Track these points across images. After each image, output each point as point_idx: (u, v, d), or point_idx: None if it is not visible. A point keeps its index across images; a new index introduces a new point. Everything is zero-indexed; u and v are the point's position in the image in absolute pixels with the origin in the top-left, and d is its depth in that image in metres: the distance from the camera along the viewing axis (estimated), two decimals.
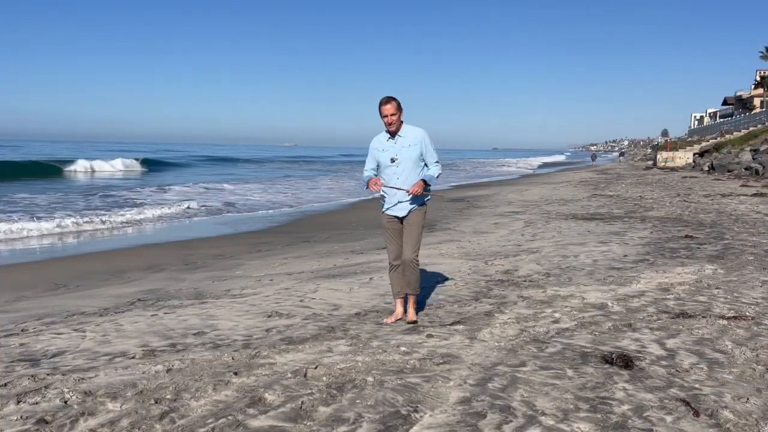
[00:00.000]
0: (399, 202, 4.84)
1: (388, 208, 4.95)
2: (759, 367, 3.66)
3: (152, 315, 5.50)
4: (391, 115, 4.69)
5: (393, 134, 4.79)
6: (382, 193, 4.91)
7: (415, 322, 4.87)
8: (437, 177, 4.90)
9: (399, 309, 4.99)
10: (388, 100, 4.72)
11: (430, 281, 6.52)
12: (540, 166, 64.50)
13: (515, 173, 47.06)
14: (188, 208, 17.72)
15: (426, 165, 4.90)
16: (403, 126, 4.84)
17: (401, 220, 4.89)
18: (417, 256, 4.90)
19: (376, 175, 4.98)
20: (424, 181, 4.78)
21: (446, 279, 6.61)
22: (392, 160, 4.80)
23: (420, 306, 5.43)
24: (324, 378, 3.58)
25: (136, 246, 11.29)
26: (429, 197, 4.95)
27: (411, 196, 4.76)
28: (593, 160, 66.25)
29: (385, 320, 4.95)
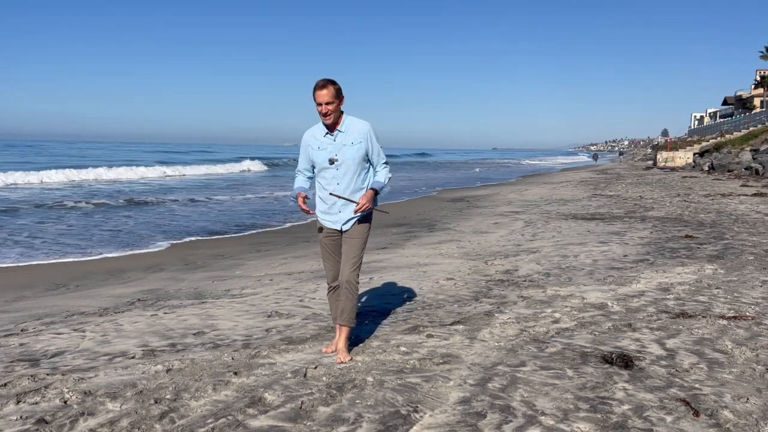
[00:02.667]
0: (340, 211, 3.95)
1: (325, 219, 4.02)
2: (759, 367, 3.67)
3: (152, 315, 5.49)
4: (327, 103, 3.72)
5: (331, 128, 3.85)
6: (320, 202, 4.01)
7: (348, 360, 3.89)
8: (387, 183, 3.99)
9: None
10: (324, 84, 3.74)
11: (430, 281, 6.52)
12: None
13: (551, 168, 51.90)
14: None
15: (372, 166, 4.00)
16: (345, 118, 3.88)
17: (342, 232, 4.03)
18: (357, 276, 4.01)
19: (309, 180, 4.07)
20: (374, 191, 3.91)
21: (446, 279, 6.61)
22: (331, 162, 3.86)
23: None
24: (324, 378, 3.58)
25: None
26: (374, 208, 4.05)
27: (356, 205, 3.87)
28: (595, 160, 67.66)
29: (324, 349, 4.10)
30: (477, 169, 50.33)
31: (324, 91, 3.72)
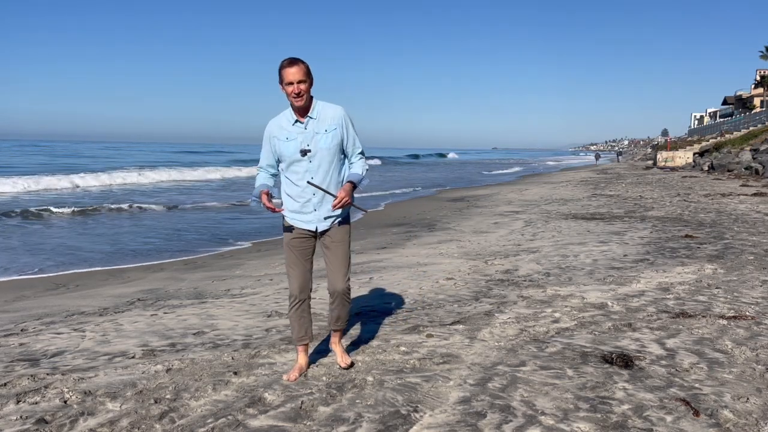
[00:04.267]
0: (315, 209, 3.47)
1: (297, 218, 3.51)
2: (759, 366, 3.67)
3: (152, 315, 5.49)
4: (299, 82, 3.27)
5: (301, 114, 3.39)
6: (284, 208, 3.51)
7: (351, 365, 3.72)
8: (365, 175, 3.53)
9: (302, 359, 3.69)
10: (294, 60, 3.29)
11: (430, 281, 6.52)
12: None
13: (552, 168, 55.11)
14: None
15: (346, 157, 3.55)
16: (315, 103, 3.42)
17: (315, 235, 3.55)
18: (349, 283, 3.68)
19: (273, 178, 3.57)
20: (352, 184, 3.44)
21: (446, 279, 6.61)
22: (303, 153, 3.37)
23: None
24: (324, 378, 3.58)
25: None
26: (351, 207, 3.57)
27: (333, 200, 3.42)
28: (597, 160, 68.09)
29: (285, 377, 3.57)
30: (516, 168, 53.51)
31: (294, 68, 3.27)
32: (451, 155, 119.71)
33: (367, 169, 3.55)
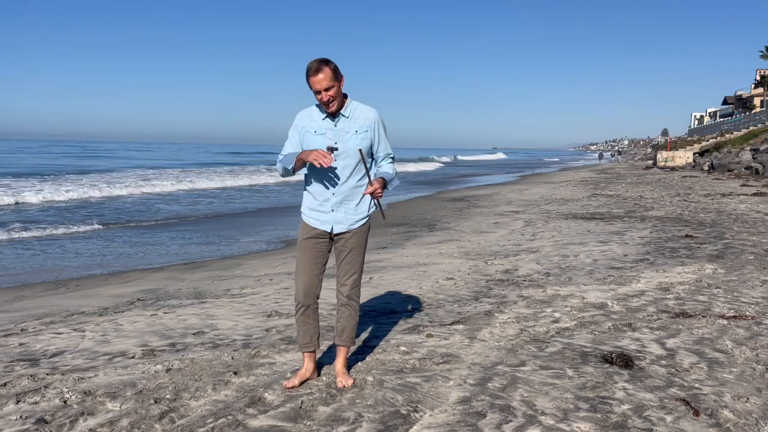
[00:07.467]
0: (333, 209, 3.35)
1: (313, 217, 3.40)
2: (759, 366, 3.67)
3: (152, 315, 5.49)
4: (326, 90, 3.15)
5: (333, 113, 3.30)
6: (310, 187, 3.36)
7: (352, 385, 3.43)
8: (395, 177, 3.47)
9: (308, 366, 3.50)
10: (319, 66, 3.14)
11: (430, 280, 6.52)
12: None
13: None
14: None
15: (374, 161, 3.48)
16: (350, 102, 3.33)
17: (331, 237, 3.42)
18: (359, 293, 3.55)
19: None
20: (384, 180, 3.36)
21: (446, 279, 6.61)
22: (330, 150, 3.23)
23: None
24: (323, 378, 3.58)
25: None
26: (374, 208, 3.48)
27: (357, 199, 3.36)
28: (600, 159, 68.37)
29: (284, 383, 3.43)
30: (554, 168, 55.73)
31: (320, 75, 3.13)
32: (498, 155, 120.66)
33: (396, 173, 3.47)
